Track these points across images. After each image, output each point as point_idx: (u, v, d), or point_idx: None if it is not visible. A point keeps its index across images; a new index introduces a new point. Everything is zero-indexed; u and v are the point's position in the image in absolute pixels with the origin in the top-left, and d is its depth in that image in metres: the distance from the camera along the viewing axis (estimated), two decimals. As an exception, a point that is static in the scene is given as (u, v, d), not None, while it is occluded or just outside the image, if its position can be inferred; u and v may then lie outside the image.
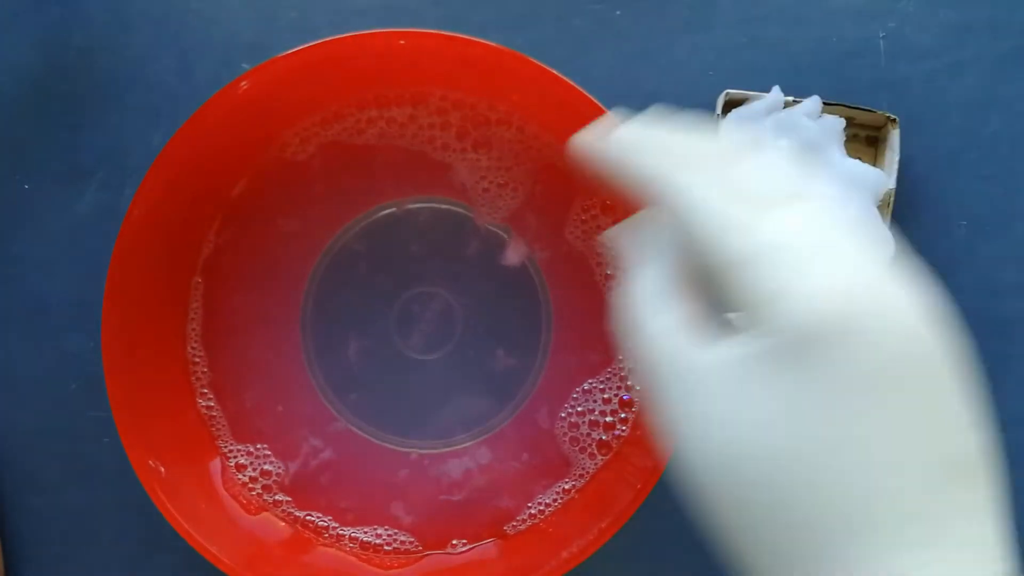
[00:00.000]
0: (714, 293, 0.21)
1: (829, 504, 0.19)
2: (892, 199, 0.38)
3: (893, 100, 0.41)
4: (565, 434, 0.39)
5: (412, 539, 0.38)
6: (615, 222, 0.38)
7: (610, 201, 0.38)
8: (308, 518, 0.38)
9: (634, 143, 0.23)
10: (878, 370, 0.19)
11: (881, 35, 0.41)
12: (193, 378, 0.39)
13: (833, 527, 0.19)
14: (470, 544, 0.38)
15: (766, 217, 0.20)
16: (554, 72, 0.34)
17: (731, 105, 0.39)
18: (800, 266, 0.19)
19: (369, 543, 0.38)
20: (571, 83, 0.34)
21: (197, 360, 0.39)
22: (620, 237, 0.24)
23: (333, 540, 0.38)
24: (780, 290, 0.19)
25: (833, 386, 0.19)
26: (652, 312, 0.22)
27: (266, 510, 0.38)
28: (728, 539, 0.21)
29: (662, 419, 0.21)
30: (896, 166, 0.38)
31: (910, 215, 0.40)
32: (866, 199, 0.37)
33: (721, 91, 0.39)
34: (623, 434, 0.38)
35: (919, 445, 0.19)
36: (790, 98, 0.38)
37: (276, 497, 0.38)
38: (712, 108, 0.40)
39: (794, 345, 0.19)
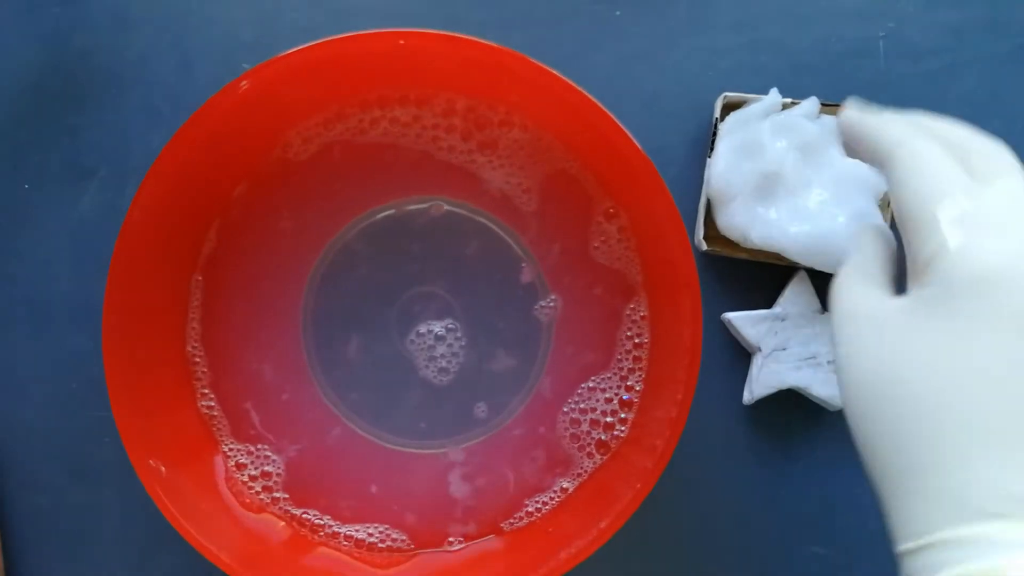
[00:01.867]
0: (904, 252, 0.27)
1: (959, 422, 0.23)
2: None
3: (892, 101, 0.40)
4: (566, 430, 0.39)
5: (404, 537, 0.38)
6: (619, 228, 0.38)
7: (612, 209, 0.38)
8: (305, 516, 0.38)
9: (880, 118, 0.29)
10: (1014, 316, 0.23)
11: (880, 35, 0.41)
12: (194, 378, 0.39)
13: (958, 441, 0.23)
14: (468, 542, 0.38)
15: (976, 187, 0.25)
16: (554, 72, 0.34)
17: (729, 108, 0.39)
18: (975, 233, 0.24)
19: (363, 540, 0.38)
20: (571, 83, 0.34)
21: (197, 360, 0.39)
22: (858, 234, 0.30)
23: (329, 537, 0.38)
24: (959, 248, 0.24)
25: (973, 325, 0.24)
26: (860, 281, 0.28)
27: (265, 509, 0.38)
28: (872, 451, 0.25)
29: (845, 356, 0.26)
30: (895, 166, 0.38)
31: (909, 215, 0.40)
32: (867, 199, 0.37)
33: (720, 91, 0.39)
34: (622, 435, 0.38)
35: None
36: (788, 100, 0.38)
37: (275, 495, 0.38)
38: (711, 109, 0.40)
39: (951, 289, 0.24)
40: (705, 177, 0.39)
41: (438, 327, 0.40)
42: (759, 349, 0.39)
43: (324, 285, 0.40)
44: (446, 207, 0.40)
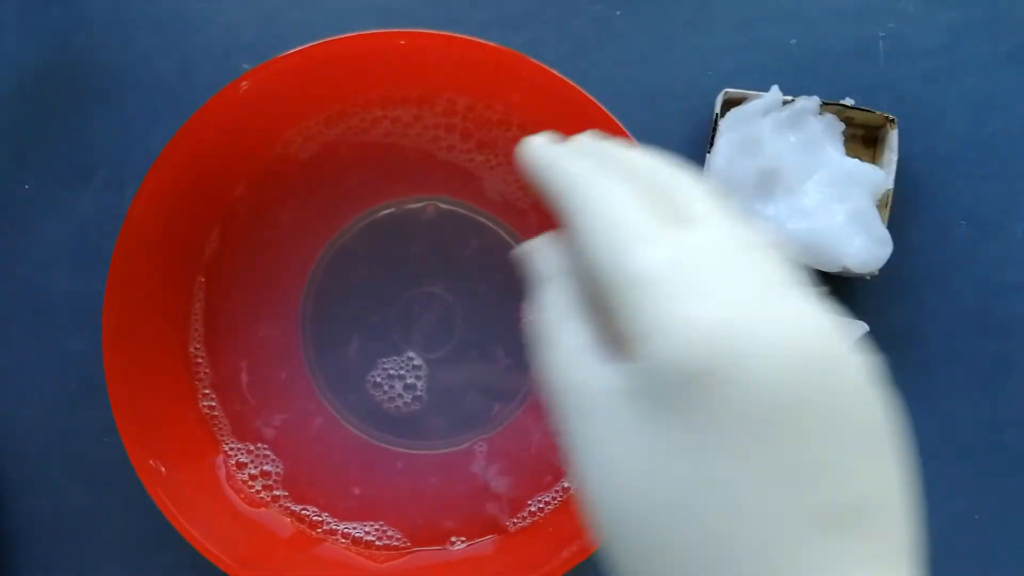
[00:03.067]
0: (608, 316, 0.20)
1: (697, 554, 0.18)
2: (891, 199, 0.38)
3: (892, 100, 0.41)
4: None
5: (400, 535, 0.38)
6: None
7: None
8: (304, 512, 0.38)
9: (552, 152, 0.23)
10: (745, 415, 0.18)
11: (880, 35, 0.41)
12: (196, 379, 0.39)
13: (708, 562, 0.18)
14: (469, 541, 0.38)
15: (666, 236, 0.19)
16: (554, 72, 0.34)
17: (730, 104, 0.39)
18: (679, 297, 0.18)
19: (360, 538, 0.38)
20: (571, 83, 0.34)
21: (199, 360, 0.39)
22: (529, 254, 0.23)
23: (328, 534, 0.38)
24: (655, 324, 0.18)
25: (697, 430, 0.18)
26: (557, 332, 0.21)
27: (265, 507, 0.38)
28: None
29: (565, 442, 0.20)
30: (895, 166, 0.38)
31: (909, 215, 0.40)
32: (865, 197, 0.37)
33: (720, 91, 0.39)
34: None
35: (790, 492, 0.18)
36: (788, 97, 0.38)
37: (275, 493, 0.38)
38: (710, 109, 0.40)
39: (662, 386, 0.18)
40: (704, 173, 0.39)
41: (438, 327, 0.40)
42: (759, 349, 0.39)
43: (324, 285, 0.40)
44: (446, 206, 0.40)
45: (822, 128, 0.38)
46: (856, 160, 0.38)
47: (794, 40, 0.41)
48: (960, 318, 0.40)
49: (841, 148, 0.38)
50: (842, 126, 0.38)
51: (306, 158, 0.39)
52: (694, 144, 0.40)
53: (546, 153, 0.23)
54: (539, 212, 0.39)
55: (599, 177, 0.21)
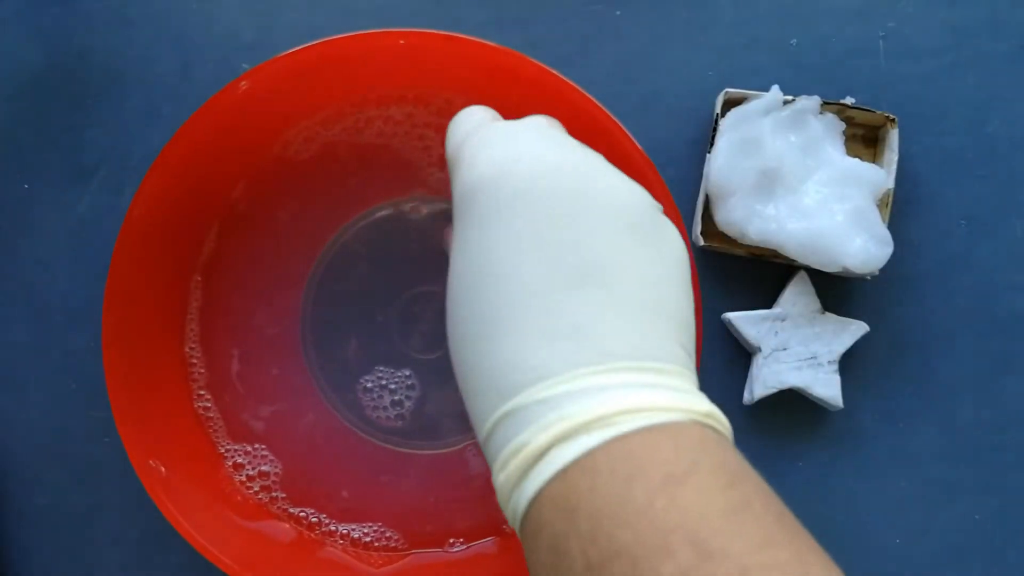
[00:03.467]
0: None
1: (490, 315, 0.25)
2: (891, 199, 0.38)
3: (892, 100, 0.41)
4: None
5: (398, 536, 0.38)
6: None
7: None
8: (302, 514, 0.38)
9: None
10: (510, 210, 0.25)
11: (881, 35, 0.41)
12: (191, 379, 0.39)
13: (486, 320, 0.25)
14: (468, 543, 0.38)
15: (492, 122, 0.28)
16: (554, 72, 0.34)
17: (730, 104, 0.39)
18: (478, 149, 0.27)
19: (359, 540, 0.38)
20: (571, 83, 0.34)
21: (195, 360, 0.39)
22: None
23: (326, 536, 0.38)
24: (460, 165, 0.27)
25: (486, 227, 0.25)
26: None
27: (264, 508, 0.38)
28: (455, 366, 0.26)
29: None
30: (895, 166, 0.38)
31: (909, 215, 0.40)
32: (865, 197, 0.37)
33: (721, 91, 0.39)
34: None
35: (546, 261, 0.24)
36: (789, 97, 0.38)
37: (273, 494, 0.38)
38: (710, 109, 0.40)
39: (464, 203, 0.26)
40: (704, 173, 0.39)
41: (437, 327, 0.40)
42: (759, 349, 0.39)
43: (323, 285, 0.40)
44: (445, 206, 0.40)
45: (822, 128, 0.38)
46: (856, 160, 0.38)
47: (794, 40, 0.41)
48: (960, 318, 0.40)
49: (841, 148, 0.38)
50: (842, 126, 0.38)
51: (305, 158, 0.39)
52: (694, 144, 0.40)
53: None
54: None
55: (473, 105, 0.30)
